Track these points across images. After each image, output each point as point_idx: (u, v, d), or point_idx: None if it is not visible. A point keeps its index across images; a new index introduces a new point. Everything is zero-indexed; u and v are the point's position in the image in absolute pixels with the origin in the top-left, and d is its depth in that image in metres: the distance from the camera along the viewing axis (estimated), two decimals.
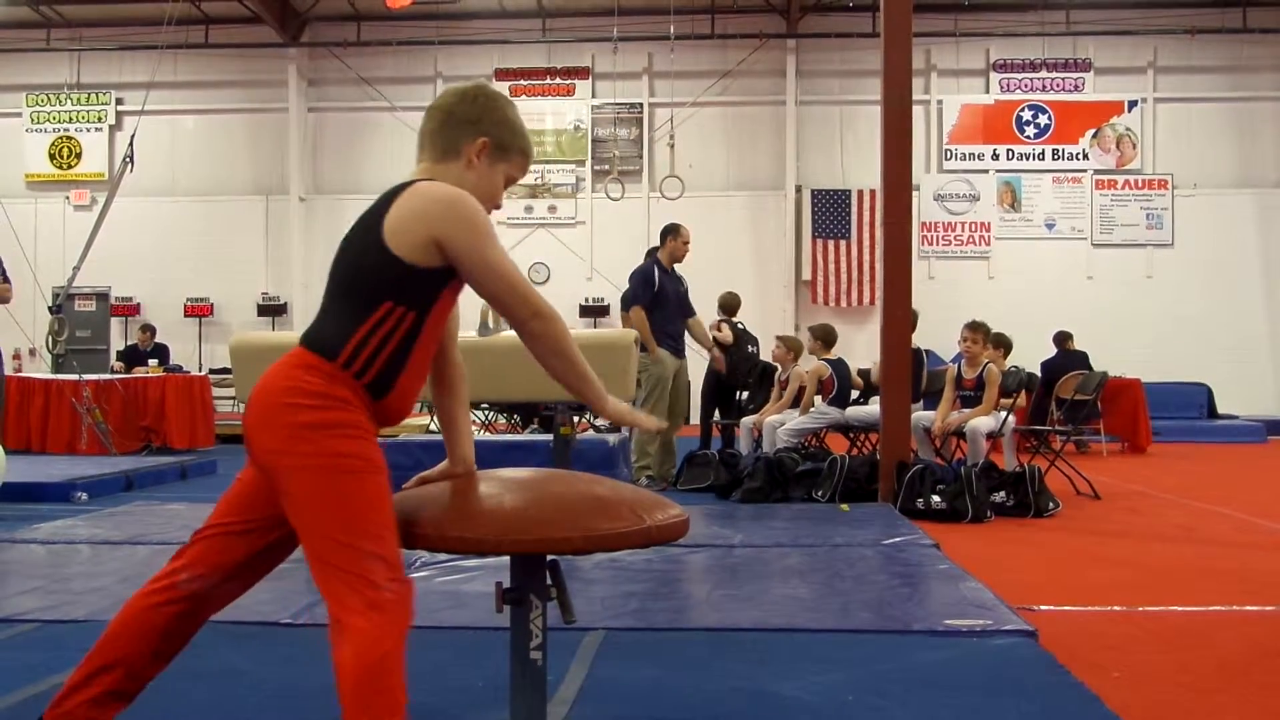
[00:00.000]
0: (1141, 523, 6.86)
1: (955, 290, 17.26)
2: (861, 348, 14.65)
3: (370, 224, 2.25)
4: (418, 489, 2.45)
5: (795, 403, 8.83)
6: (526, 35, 18.79)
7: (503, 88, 18.62)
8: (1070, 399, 9.74)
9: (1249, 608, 4.33)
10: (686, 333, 8.61)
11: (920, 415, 8.20)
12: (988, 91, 18.56)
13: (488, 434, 11.11)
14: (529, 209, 18.40)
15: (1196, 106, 18.27)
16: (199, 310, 18.59)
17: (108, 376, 11.69)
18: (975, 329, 8.16)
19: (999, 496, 6.90)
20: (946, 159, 18.46)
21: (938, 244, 18.32)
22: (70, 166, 19.25)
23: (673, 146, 17.66)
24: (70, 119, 19.28)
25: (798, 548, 5.44)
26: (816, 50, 18.48)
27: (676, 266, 8.53)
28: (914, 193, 11.40)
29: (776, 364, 9.50)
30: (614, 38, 17.42)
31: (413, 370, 2.28)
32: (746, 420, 9.16)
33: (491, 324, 4.93)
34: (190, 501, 7.26)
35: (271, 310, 18.57)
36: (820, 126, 18.55)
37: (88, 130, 19.26)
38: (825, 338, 8.92)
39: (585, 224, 18.49)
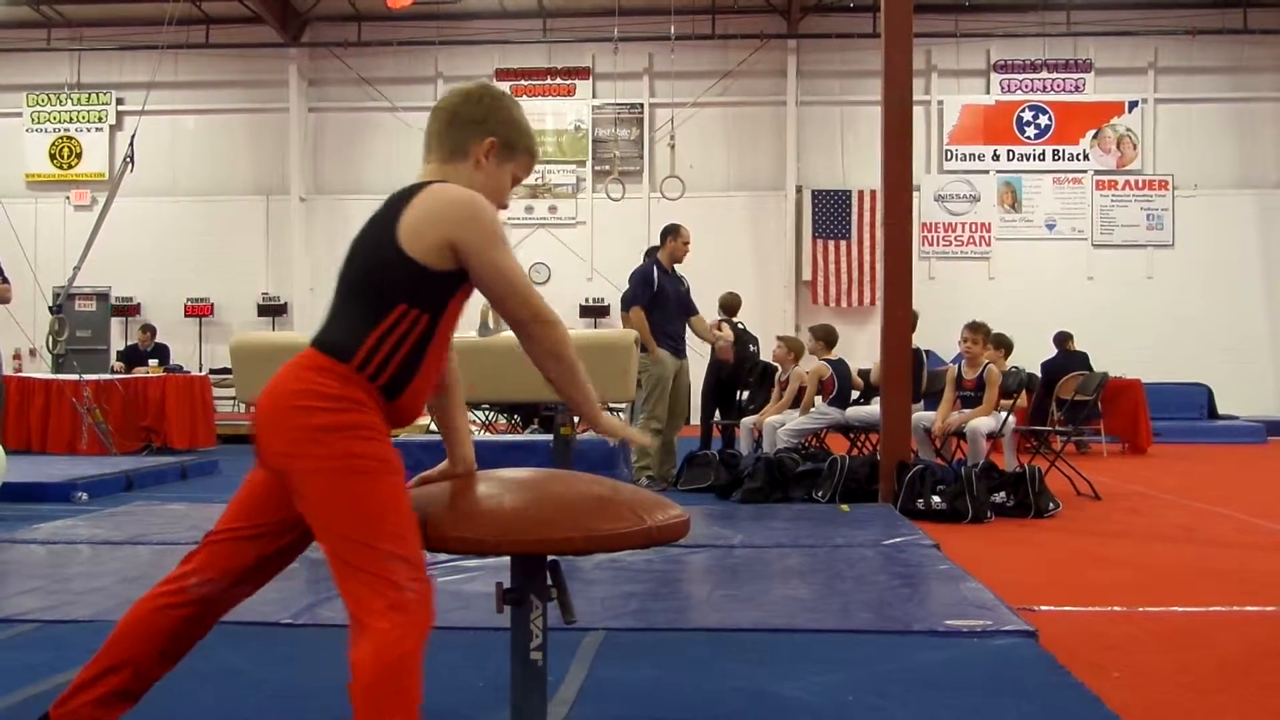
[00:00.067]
0: (1142, 523, 6.86)
1: (955, 291, 17.26)
2: (862, 348, 14.65)
3: (383, 225, 2.25)
4: (418, 489, 2.45)
5: (795, 403, 8.83)
6: (527, 35, 18.80)
7: (503, 88, 18.34)
8: (1070, 399, 9.74)
9: (1249, 608, 4.33)
10: (689, 331, 8.63)
11: (920, 416, 8.20)
12: (988, 92, 18.56)
13: (488, 434, 11.12)
14: (529, 209, 18.40)
15: (1197, 107, 18.27)
16: (199, 310, 18.59)
17: (108, 376, 11.70)
18: (975, 329, 8.16)
19: (999, 497, 6.90)
20: (947, 159, 18.46)
21: (938, 244, 18.32)
22: (71, 166, 19.26)
23: (673, 147, 17.69)
24: (71, 119, 19.29)
25: (798, 548, 5.44)
26: (817, 50, 18.48)
27: (677, 267, 8.53)
28: (914, 193, 11.43)
29: (777, 364, 9.51)
30: (614, 38, 17.43)
31: (425, 372, 2.29)
32: (747, 421, 9.16)
33: (492, 324, 4.94)
34: (191, 502, 7.27)
35: (272, 310, 18.58)
36: (821, 127, 18.55)
37: (88, 130, 19.26)
38: (826, 338, 8.92)
39: (585, 224, 18.50)
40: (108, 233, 12.45)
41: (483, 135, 2.36)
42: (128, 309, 18.68)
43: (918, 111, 14.39)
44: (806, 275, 18.25)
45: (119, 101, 19.07)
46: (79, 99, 19.26)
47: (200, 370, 15.80)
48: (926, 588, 4.48)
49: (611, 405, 12.73)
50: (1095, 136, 18.32)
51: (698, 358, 9.42)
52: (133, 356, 13.92)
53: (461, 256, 2.22)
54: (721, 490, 7.84)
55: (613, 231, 17.95)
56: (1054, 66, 18.44)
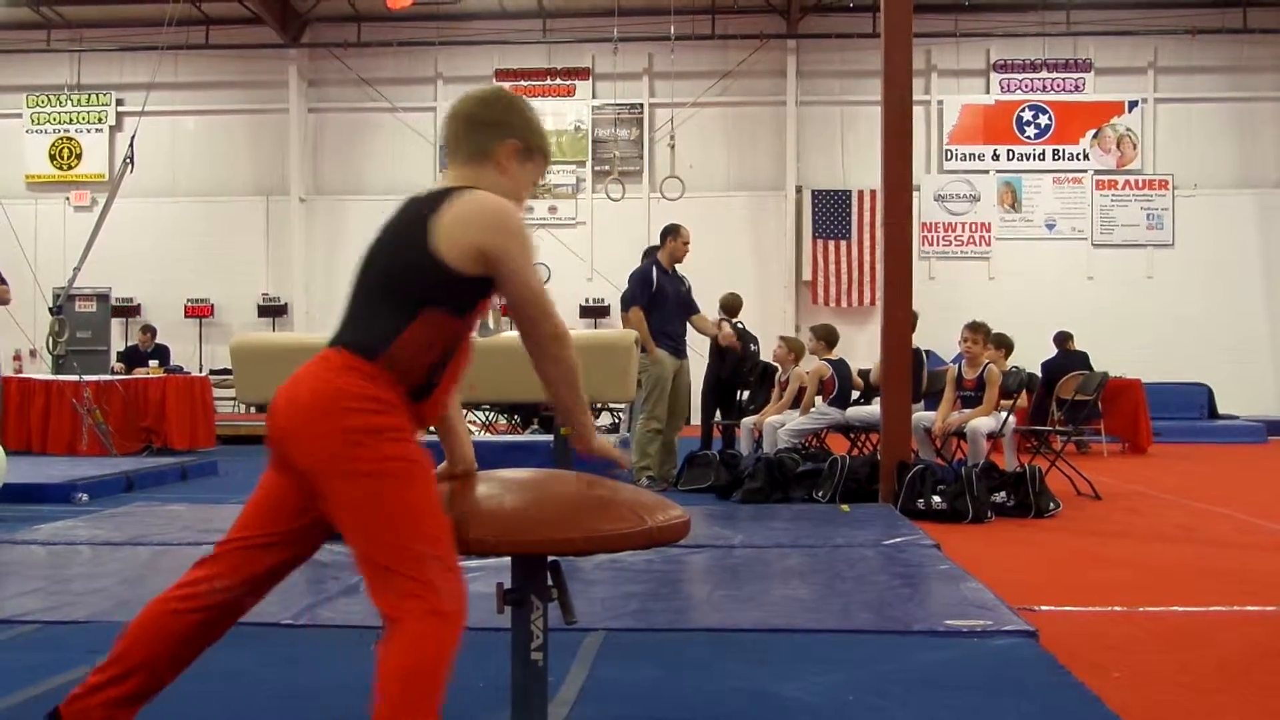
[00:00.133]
0: (1142, 523, 6.86)
1: (955, 291, 17.26)
2: (862, 348, 14.66)
3: (413, 227, 2.25)
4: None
5: (796, 403, 8.83)
6: (527, 36, 18.80)
7: (503, 88, 18.60)
8: (1071, 399, 9.74)
9: (1249, 608, 4.33)
10: (691, 328, 8.67)
11: (921, 416, 8.20)
12: (988, 92, 18.56)
13: (488, 434, 11.12)
14: (529, 209, 18.39)
15: (1197, 107, 18.27)
16: (199, 311, 18.59)
17: (108, 377, 11.70)
18: (975, 329, 8.16)
19: (999, 497, 6.90)
20: (947, 159, 18.46)
21: (938, 244, 18.32)
22: (70, 167, 19.26)
23: (673, 147, 17.69)
24: (71, 120, 19.29)
25: (798, 548, 5.44)
26: (817, 51, 18.48)
27: (677, 267, 8.54)
28: (914, 193, 11.42)
29: (777, 364, 9.51)
30: (614, 38, 17.43)
31: (450, 375, 2.31)
32: (747, 421, 9.16)
33: (491, 324, 4.92)
34: (191, 503, 7.27)
35: (272, 311, 18.58)
36: (821, 127, 18.55)
37: (88, 131, 19.27)
38: (827, 338, 8.92)
39: (585, 224, 18.49)
40: (108, 233, 12.45)
41: (504, 138, 2.38)
42: (128, 310, 18.68)
43: (918, 111, 14.39)
44: (806, 275, 18.25)
45: (119, 102, 19.07)
46: (79, 100, 19.26)
47: (200, 371, 15.82)
48: (927, 588, 4.48)
49: (612, 405, 12.78)
50: (1095, 136, 18.32)
51: (698, 358, 9.43)
52: (133, 357, 13.93)
53: (493, 264, 2.23)
54: (722, 490, 7.84)
55: (613, 232, 17.95)
56: (1054, 66, 18.44)
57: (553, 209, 18.54)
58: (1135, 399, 12.56)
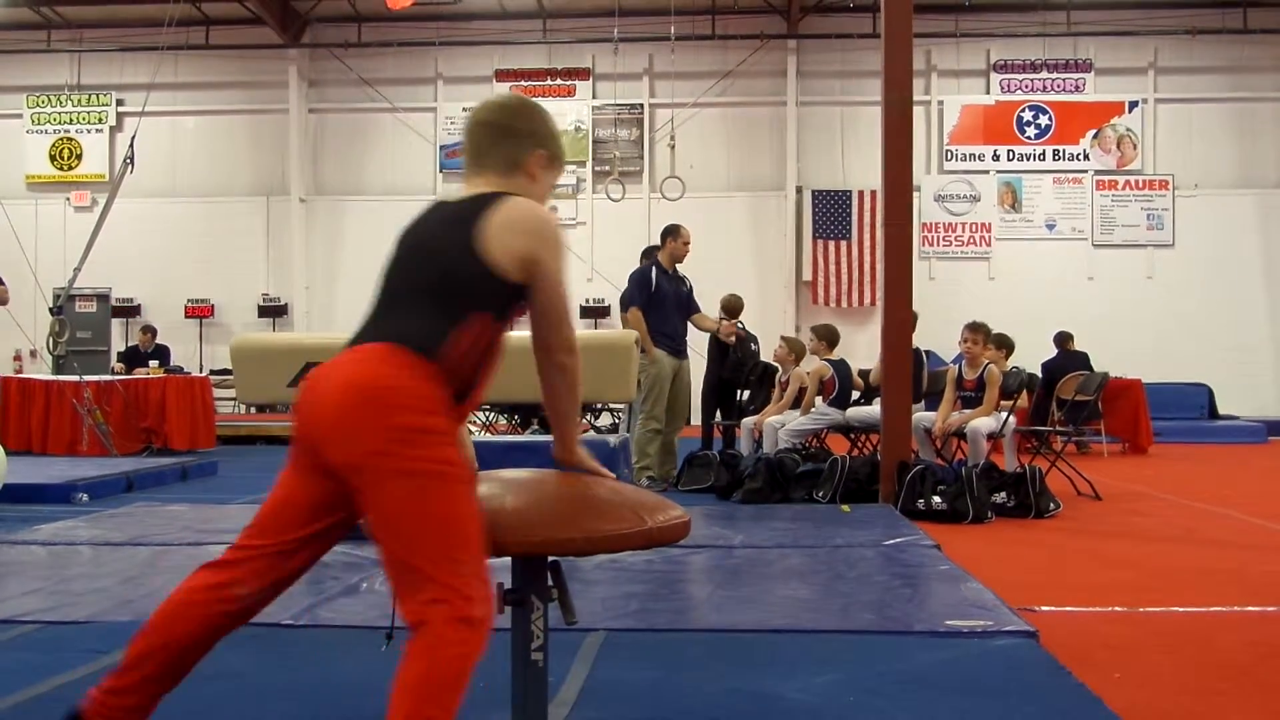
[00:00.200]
0: (1142, 523, 6.86)
1: (956, 291, 17.26)
2: (862, 348, 14.66)
3: (458, 228, 2.28)
4: None
5: (796, 404, 8.83)
6: (527, 36, 18.80)
7: (503, 88, 18.64)
8: (1071, 399, 9.74)
9: (1250, 608, 4.33)
10: (693, 327, 8.69)
11: (921, 416, 8.20)
12: (988, 92, 18.56)
13: (488, 435, 11.12)
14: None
15: (1197, 107, 18.27)
16: (200, 311, 18.59)
17: (108, 378, 11.70)
18: (976, 330, 8.16)
19: (1000, 497, 6.90)
20: (947, 160, 18.46)
21: (938, 245, 18.32)
22: (71, 168, 19.26)
23: (673, 147, 17.69)
24: (71, 120, 19.29)
25: (798, 548, 5.44)
26: (817, 51, 18.48)
27: (678, 267, 8.55)
28: (915, 193, 11.43)
29: (777, 365, 9.50)
30: (614, 38, 17.43)
31: (485, 378, 2.33)
32: (747, 421, 9.16)
33: None
34: (191, 503, 7.27)
35: (272, 311, 18.58)
36: (821, 127, 18.55)
37: (88, 131, 19.27)
38: (828, 338, 8.91)
39: (586, 225, 18.48)
40: (108, 234, 12.45)
41: (534, 148, 2.44)
42: (128, 310, 18.68)
43: (918, 112, 14.42)
44: (807, 275, 18.25)
45: (119, 103, 19.07)
46: (79, 100, 19.26)
47: (201, 371, 15.83)
48: (927, 588, 4.48)
49: (612, 405, 12.77)
50: (1095, 136, 18.32)
51: (698, 358, 9.43)
52: (133, 357, 13.93)
53: (533, 270, 2.28)
54: (722, 491, 7.83)
55: (613, 232, 17.94)
56: (1054, 66, 18.44)
57: (553, 209, 18.43)
58: (1135, 399, 12.56)
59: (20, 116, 19.28)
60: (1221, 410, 15.62)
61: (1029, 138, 18.40)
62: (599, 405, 12.49)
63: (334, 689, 3.10)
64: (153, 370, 12.90)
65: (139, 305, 18.69)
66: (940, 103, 18.44)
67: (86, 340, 17.87)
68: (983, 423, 7.75)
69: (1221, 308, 17.76)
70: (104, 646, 3.44)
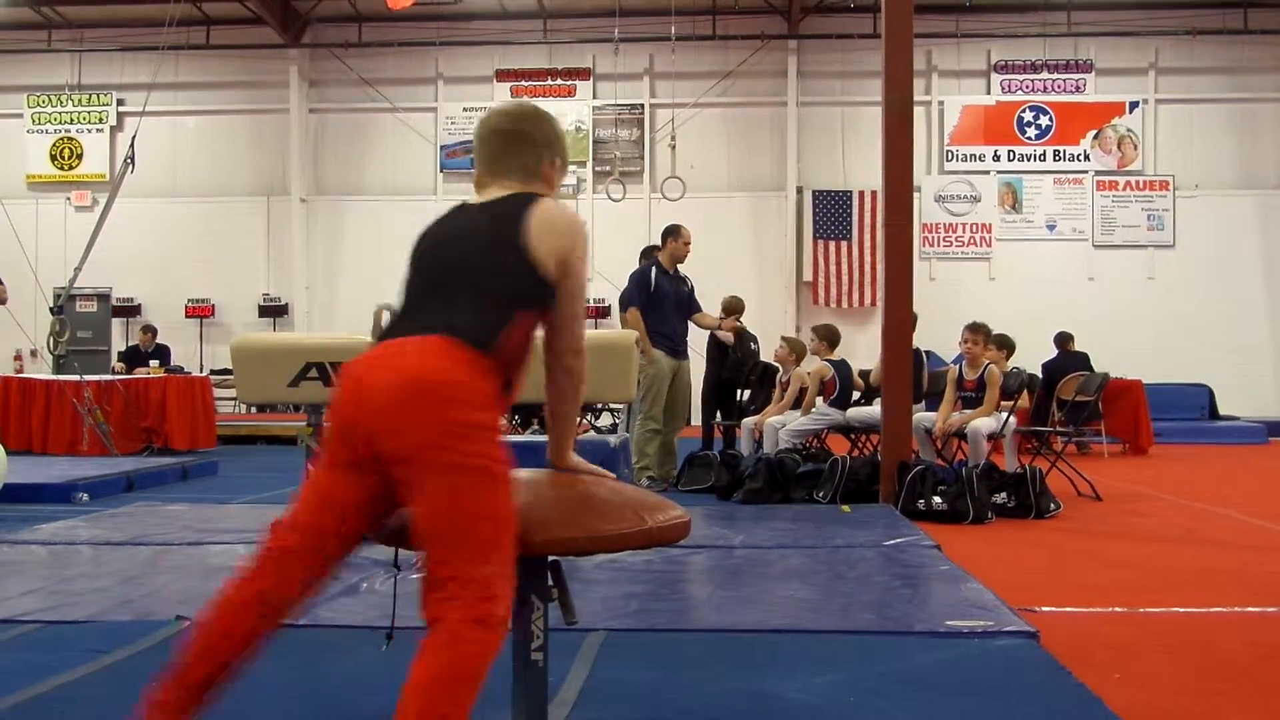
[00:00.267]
0: (1143, 524, 6.85)
1: (956, 291, 17.26)
2: (862, 349, 14.66)
3: (506, 226, 2.32)
4: None
5: (796, 404, 8.83)
6: (527, 36, 18.80)
7: (504, 88, 18.65)
8: (1071, 400, 9.74)
9: (1250, 609, 4.33)
10: (695, 325, 8.73)
11: (921, 416, 8.20)
12: (989, 93, 18.56)
13: None
14: None
15: (1198, 107, 18.27)
16: (200, 311, 18.59)
17: (109, 377, 11.70)
18: (976, 330, 8.15)
19: (1000, 497, 6.89)
20: (948, 160, 18.46)
21: (939, 245, 18.32)
22: (71, 167, 19.26)
23: (674, 147, 17.68)
24: (71, 120, 19.30)
25: (799, 549, 5.44)
26: (818, 51, 18.48)
27: (679, 267, 8.55)
28: (915, 194, 11.43)
29: (778, 365, 9.50)
30: (615, 38, 17.44)
31: (524, 375, 2.36)
32: (747, 421, 9.16)
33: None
34: (192, 502, 7.27)
35: (273, 311, 18.58)
36: (821, 128, 18.56)
37: (89, 131, 19.27)
38: (829, 338, 8.91)
39: (586, 225, 18.45)
40: (108, 233, 12.45)
41: (551, 156, 2.50)
42: (129, 310, 18.69)
43: (918, 112, 14.41)
44: (807, 276, 18.25)
45: (120, 102, 19.08)
46: (80, 100, 19.26)
47: (201, 371, 15.82)
48: (927, 588, 4.48)
49: (612, 406, 12.77)
50: (1096, 137, 18.32)
51: (698, 358, 9.43)
52: (134, 357, 13.93)
53: (566, 273, 2.34)
54: (722, 491, 7.83)
55: (613, 232, 17.90)
56: (1055, 67, 18.44)
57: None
58: (1136, 400, 12.56)
59: (21, 116, 19.28)
60: (1222, 411, 15.61)
61: (1029, 138, 18.40)
62: (599, 405, 12.49)
63: (334, 689, 3.10)
64: (153, 370, 12.90)
65: (139, 305, 18.69)
66: (941, 103, 18.44)
67: (87, 340, 17.88)
68: (983, 423, 7.74)
69: (1222, 308, 17.76)
70: (104, 646, 3.44)
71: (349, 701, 2.99)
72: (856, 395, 9.20)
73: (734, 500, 7.47)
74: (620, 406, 11.95)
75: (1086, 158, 18.32)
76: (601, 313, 17.69)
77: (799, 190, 18.35)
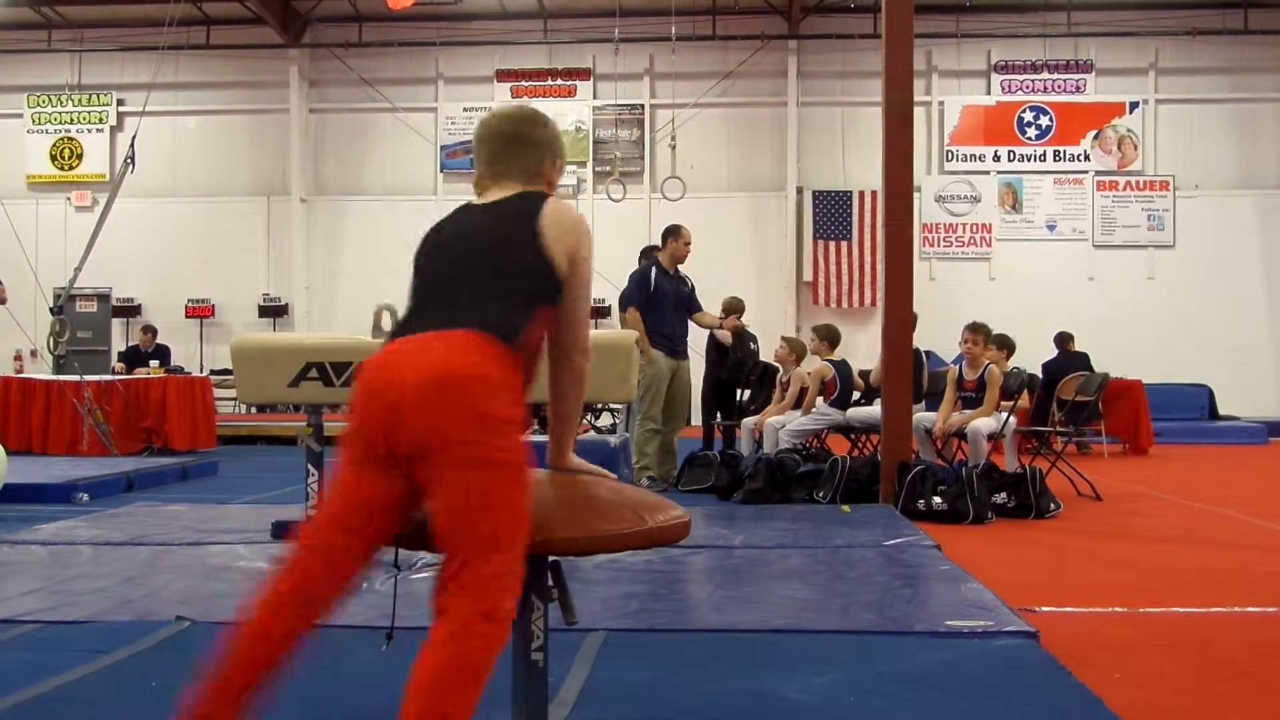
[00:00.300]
0: (1143, 524, 6.86)
1: (956, 291, 17.25)
2: (862, 349, 14.65)
3: (521, 224, 2.36)
4: None
5: (797, 404, 8.83)
6: (528, 36, 18.79)
7: (504, 89, 18.66)
8: (1071, 400, 9.74)
9: (1250, 609, 4.33)
10: (696, 324, 8.74)
11: (921, 416, 8.20)
12: (989, 93, 18.56)
13: None
14: None
15: (1198, 108, 18.26)
16: (200, 311, 18.59)
17: (109, 377, 11.70)
18: (976, 330, 8.15)
19: (1000, 497, 6.90)
20: (948, 160, 18.45)
21: (939, 245, 18.32)
22: (71, 167, 19.26)
23: (674, 148, 17.68)
24: (71, 120, 19.29)
25: (799, 549, 5.44)
26: (818, 51, 18.48)
27: (680, 267, 8.55)
28: (915, 194, 11.43)
29: (778, 365, 9.50)
30: (615, 39, 17.44)
31: (536, 372, 2.39)
32: (748, 421, 9.16)
33: (385, 325, 4.92)
34: (192, 503, 7.27)
35: (273, 311, 18.58)
36: (821, 128, 18.55)
37: (89, 131, 19.27)
38: (830, 338, 8.91)
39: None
40: (108, 234, 12.44)
41: (552, 158, 2.54)
42: (129, 310, 18.68)
43: (918, 112, 14.40)
44: (807, 276, 18.25)
45: (120, 102, 19.07)
46: (80, 100, 19.26)
47: (201, 371, 15.83)
48: (927, 588, 4.48)
49: (612, 406, 12.77)
50: (1096, 137, 18.31)
51: (698, 358, 9.43)
52: (134, 357, 13.92)
53: (574, 270, 2.38)
54: (722, 491, 7.83)
55: (614, 232, 17.82)
56: (1055, 67, 18.44)
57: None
58: (1136, 400, 12.56)
59: (21, 116, 19.28)
60: (1222, 411, 15.62)
61: (1030, 138, 18.40)
62: (599, 405, 12.49)
63: (334, 689, 3.10)
64: (153, 370, 12.90)
65: (139, 305, 18.69)
66: (941, 103, 18.44)
67: (87, 340, 17.87)
68: (983, 423, 7.74)
69: (1222, 308, 17.76)
70: (104, 646, 3.44)
71: (349, 701, 2.99)
72: (857, 395, 9.21)
73: (734, 500, 7.48)
74: (620, 407, 11.97)
75: (1087, 158, 18.32)
76: (601, 313, 17.67)
77: (799, 190, 18.35)
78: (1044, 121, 18.40)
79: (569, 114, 18.63)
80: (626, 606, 4.06)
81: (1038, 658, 3.38)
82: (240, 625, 2.21)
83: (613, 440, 8.02)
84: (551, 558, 2.35)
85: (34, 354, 16.91)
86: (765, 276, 18.22)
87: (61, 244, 17.61)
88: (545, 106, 18.42)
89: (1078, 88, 18.43)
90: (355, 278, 18.12)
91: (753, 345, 10.17)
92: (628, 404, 8.53)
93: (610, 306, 16.98)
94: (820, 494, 7.31)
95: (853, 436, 8.97)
